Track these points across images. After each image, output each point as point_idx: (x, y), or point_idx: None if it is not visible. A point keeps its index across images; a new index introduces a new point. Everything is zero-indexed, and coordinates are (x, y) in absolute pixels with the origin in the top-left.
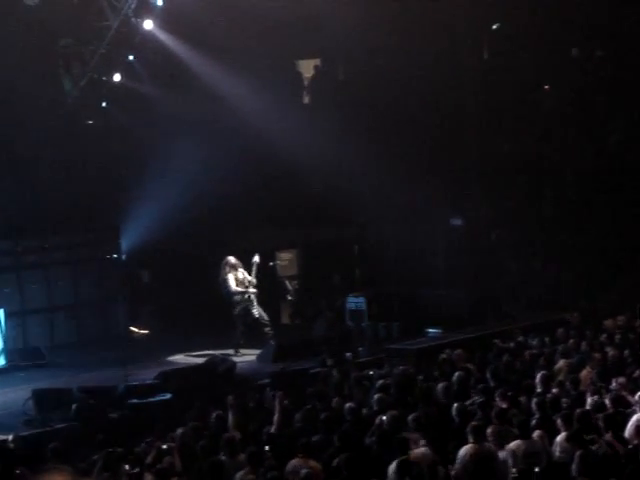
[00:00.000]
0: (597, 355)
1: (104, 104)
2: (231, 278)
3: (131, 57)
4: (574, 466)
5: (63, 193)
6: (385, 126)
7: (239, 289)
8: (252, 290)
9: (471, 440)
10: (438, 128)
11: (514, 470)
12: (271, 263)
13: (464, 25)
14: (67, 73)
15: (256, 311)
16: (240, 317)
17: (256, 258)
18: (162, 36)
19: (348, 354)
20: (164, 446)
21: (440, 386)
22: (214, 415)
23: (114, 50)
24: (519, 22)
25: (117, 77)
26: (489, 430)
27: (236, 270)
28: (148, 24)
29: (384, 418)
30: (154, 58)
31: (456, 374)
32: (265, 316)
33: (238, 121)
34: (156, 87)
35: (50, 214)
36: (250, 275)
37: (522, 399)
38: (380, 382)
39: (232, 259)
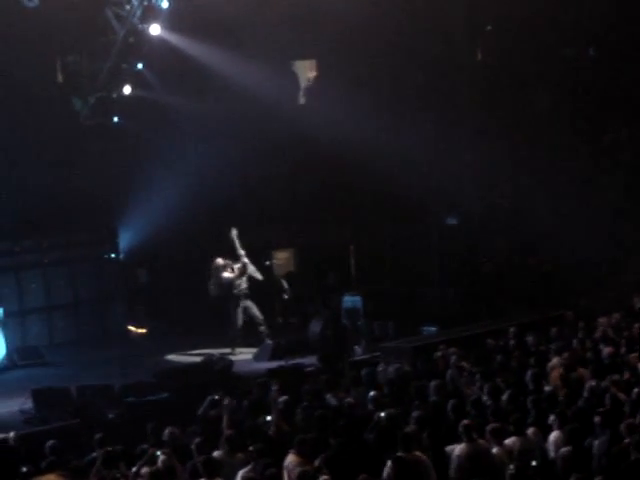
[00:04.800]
0: (590, 353)
1: (115, 119)
2: (225, 275)
3: (140, 66)
4: (558, 462)
5: (61, 193)
6: (379, 125)
7: (234, 278)
8: (244, 286)
9: (464, 439)
10: (433, 127)
11: (511, 467)
12: (267, 262)
13: (459, 26)
14: (76, 92)
15: (253, 309)
16: (238, 314)
17: (234, 232)
18: (170, 37)
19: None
20: (158, 452)
21: (433, 384)
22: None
23: (122, 62)
24: (513, 22)
25: (127, 89)
26: (487, 428)
27: (225, 269)
28: (155, 29)
29: (382, 415)
30: (162, 62)
31: (449, 372)
32: (260, 315)
33: (237, 120)
34: (163, 91)
35: (48, 214)
36: (237, 252)
37: (518, 397)
38: (376, 380)
39: (220, 260)
